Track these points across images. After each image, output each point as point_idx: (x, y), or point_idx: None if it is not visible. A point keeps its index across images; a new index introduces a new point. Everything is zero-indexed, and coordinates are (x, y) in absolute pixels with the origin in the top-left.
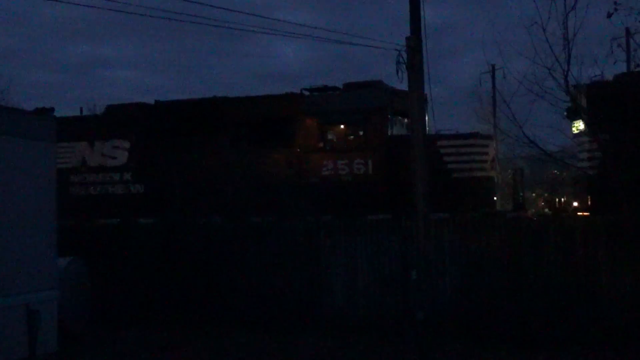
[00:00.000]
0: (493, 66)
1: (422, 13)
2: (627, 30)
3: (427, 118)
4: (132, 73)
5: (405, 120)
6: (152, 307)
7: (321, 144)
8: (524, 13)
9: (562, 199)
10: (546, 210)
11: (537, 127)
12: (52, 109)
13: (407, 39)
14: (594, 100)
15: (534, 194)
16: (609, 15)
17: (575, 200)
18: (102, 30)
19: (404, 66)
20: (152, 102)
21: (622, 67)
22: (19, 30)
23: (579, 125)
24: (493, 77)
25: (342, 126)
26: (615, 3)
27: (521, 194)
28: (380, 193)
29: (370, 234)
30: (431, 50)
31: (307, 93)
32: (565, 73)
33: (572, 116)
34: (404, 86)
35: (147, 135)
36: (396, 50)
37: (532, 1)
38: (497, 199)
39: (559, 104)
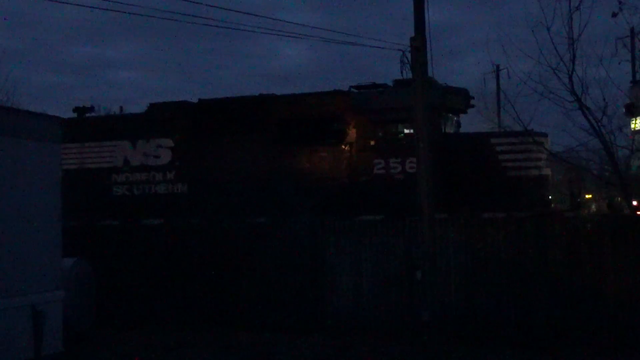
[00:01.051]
0: (497, 66)
1: (426, 13)
2: (632, 30)
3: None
4: (136, 74)
5: (455, 118)
6: (157, 307)
7: (372, 142)
8: (528, 13)
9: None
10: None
11: (541, 127)
12: (91, 108)
13: (412, 39)
14: None
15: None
16: (614, 15)
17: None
18: (106, 32)
19: (408, 66)
20: (188, 99)
21: (626, 67)
22: (23, 32)
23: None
24: (497, 77)
25: (393, 124)
26: (619, 3)
27: (578, 193)
28: (434, 192)
29: (376, 234)
30: (435, 50)
31: (354, 90)
32: (569, 73)
33: (632, 113)
34: (451, 82)
35: (190, 134)
36: (400, 50)
37: (537, 1)
38: (551, 197)
39: (564, 104)
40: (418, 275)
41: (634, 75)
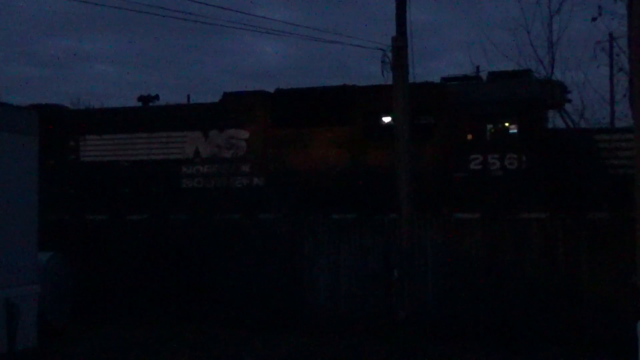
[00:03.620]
0: (478, 67)
1: (408, 14)
2: (611, 35)
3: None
4: (113, 68)
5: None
6: (135, 303)
7: (470, 137)
8: (509, 15)
9: None
10: None
11: None
12: (156, 96)
13: (393, 39)
14: None
15: None
16: (593, 20)
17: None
18: (82, 25)
19: (389, 66)
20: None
21: (605, 71)
22: None
23: None
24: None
25: (491, 118)
26: (599, 7)
27: None
28: (536, 190)
29: (354, 232)
30: (415, 50)
31: (446, 82)
32: (548, 75)
33: None
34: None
35: (267, 125)
36: (381, 50)
37: (517, 4)
38: None
39: None
40: (395, 274)
41: (611, 80)
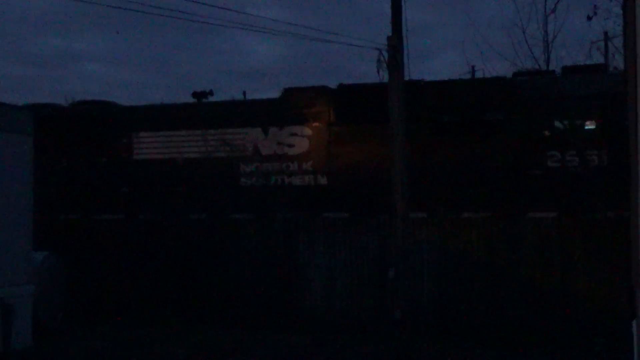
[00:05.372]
0: (473, 67)
1: (403, 13)
2: (606, 34)
3: None
4: (105, 68)
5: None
6: (130, 303)
7: (546, 133)
8: (504, 15)
9: None
10: None
11: None
12: (210, 92)
13: (389, 38)
14: None
15: None
16: (589, 19)
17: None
18: (74, 24)
19: (385, 65)
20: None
21: None
22: None
23: None
24: (473, 77)
25: (569, 113)
26: (594, 7)
27: None
28: (619, 188)
29: (349, 232)
30: (411, 50)
31: (519, 78)
32: None
33: None
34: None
35: (330, 122)
36: (377, 49)
37: (513, 3)
38: None
39: None
40: (391, 274)
41: None
